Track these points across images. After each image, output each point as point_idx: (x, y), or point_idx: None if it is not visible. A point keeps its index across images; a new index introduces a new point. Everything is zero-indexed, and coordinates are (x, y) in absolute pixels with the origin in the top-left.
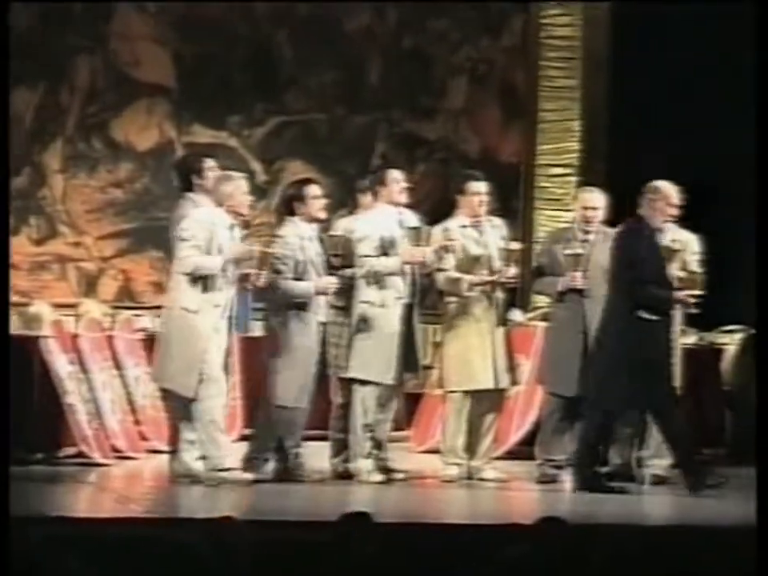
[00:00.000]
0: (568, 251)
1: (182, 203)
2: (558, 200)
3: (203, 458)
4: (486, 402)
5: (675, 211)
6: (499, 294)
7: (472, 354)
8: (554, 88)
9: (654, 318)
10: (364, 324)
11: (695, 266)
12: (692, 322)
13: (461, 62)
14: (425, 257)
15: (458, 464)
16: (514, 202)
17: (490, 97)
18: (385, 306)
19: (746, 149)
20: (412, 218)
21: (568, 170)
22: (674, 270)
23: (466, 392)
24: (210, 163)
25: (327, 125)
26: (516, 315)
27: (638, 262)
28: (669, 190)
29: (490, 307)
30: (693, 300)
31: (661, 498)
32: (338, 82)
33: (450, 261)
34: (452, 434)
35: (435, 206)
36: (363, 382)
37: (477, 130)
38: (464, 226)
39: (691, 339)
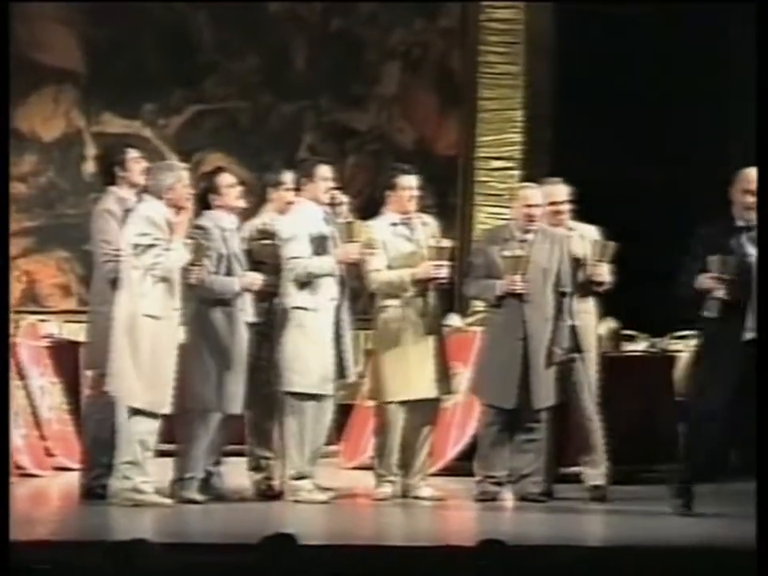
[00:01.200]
0: (507, 253)
1: (104, 197)
2: (498, 195)
3: (126, 477)
4: (421, 414)
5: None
6: (432, 298)
7: (407, 361)
8: (495, 75)
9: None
10: (297, 331)
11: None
12: (643, 326)
13: (394, 46)
14: (360, 255)
15: (391, 481)
16: (451, 198)
17: (425, 84)
18: (318, 311)
19: (698, 141)
20: (333, 216)
21: (510, 164)
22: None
23: (400, 403)
24: (133, 154)
25: (250, 114)
26: (454, 320)
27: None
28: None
29: (424, 311)
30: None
31: (608, 515)
32: (261, 68)
33: (381, 260)
34: (385, 449)
35: (368, 201)
36: (296, 395)
37: (411, 119)
38: (394, 224)
39: (642, 345)
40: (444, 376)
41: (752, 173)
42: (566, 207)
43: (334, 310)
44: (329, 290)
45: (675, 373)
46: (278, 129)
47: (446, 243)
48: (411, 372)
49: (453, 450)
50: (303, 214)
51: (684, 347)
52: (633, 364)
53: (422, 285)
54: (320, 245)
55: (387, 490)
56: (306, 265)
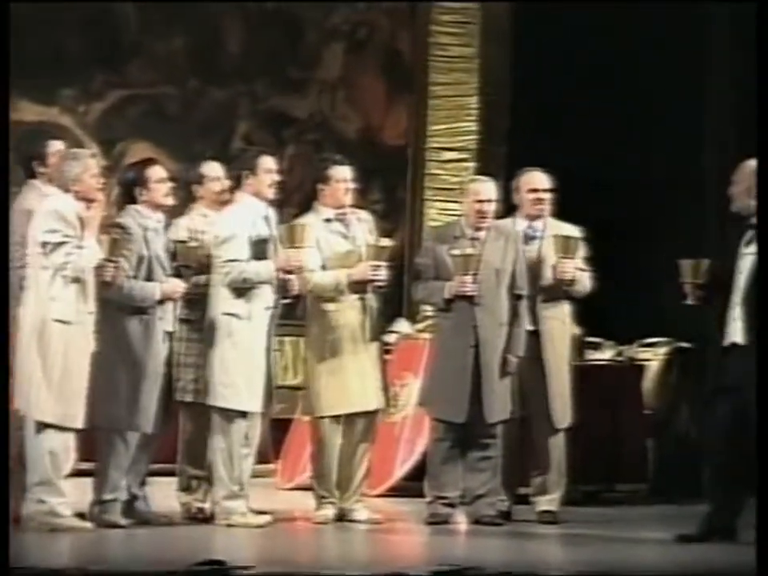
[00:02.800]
0: (456, 251)
1: (24, 193)
2: (451, 190)
3: (40, 500)
4: (358, 429)
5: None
6: (371, 301)
7: (345, 371)
8: (448, 57)
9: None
10: (227, 341)
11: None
12: (609, 333)
13: (336, 26)
14: (302, 261)
15: (333, 503)
16: (399, 193)
17: (371, 67)
18: (251, 319)
19: (668, 131)
20: (274, 215)
21: (463, 155)
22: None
23: (336, 417)
24: (56, 146)
25: (178, 100)
26: (402, 326)
27: None
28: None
29: (362, 316)
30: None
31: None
32: (190, 50)
33: (315, 260)
34: (324, 468)
35: (308, 197)
36: (224, 410)
37: (356, 106)
38: (328, 220)
39: (607, 354)
40: (383, 388)
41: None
42: (548, 195)
43: (269, 319)
44: (264, 297)
45: (644, 383)
46: (209, 116)
47: (386, 242)
48: (348, 383)
49: (401, 469)
50: (243, 212)
51: (653, 355)
52: (597, 374)
53: (359, 287)
54: (259, 248)
55: (328, 512)
56: (242, 269)
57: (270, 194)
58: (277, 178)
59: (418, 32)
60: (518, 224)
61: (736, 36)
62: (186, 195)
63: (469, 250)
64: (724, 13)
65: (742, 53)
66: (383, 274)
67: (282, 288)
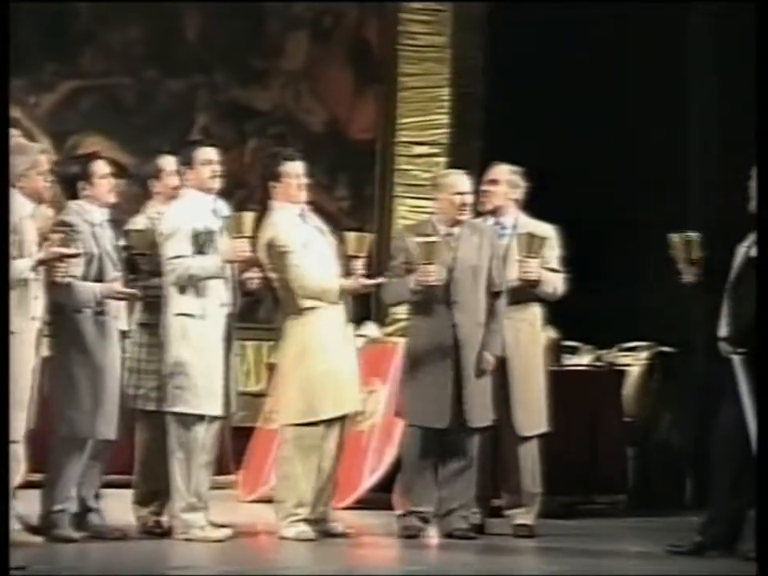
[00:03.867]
0: (419, 239)
1: None
2: (422, 186)
3: None
4: (330, 437)
5: None
6: (346, 303)
7: (318, 376)
8: (418, 47)
9: None
10: (182, 342)
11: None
12: (587, 337)
13: (300, 14)
14: (250, 252)
15: (299, 516)
16: (368, 189)
17: (337, 57)
18: (205, 318)
19: (650, 123)
20: (224, 207)
21: (435, 149)
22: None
23: (308, 425)
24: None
25: (134, 91)
26: (371, 330)
27: None
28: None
29: (337, 320)
30: None
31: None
32: (146, 39)
33: (309, 261)
34: (292, 479)
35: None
36: (182, 415)
37: (321, 98)
38: (301, 216)
39: (586, 358)
40: (357, 394)
41: None
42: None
43: (226, 318)
44: (218, 293)
45: (624, 389)
46: (167, 108)
47: (368, 241)
48: (322, 389)
49: (369, 480)
50: (186, 206)
51: (634, 360)
52: (575, 379)
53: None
54: (204, 241)
55: (296, 526)
56: (188, 265)
57: (213, 184)
58: (218, 168)
59: (386, 20)
60: (487, 221)
61: (718, 28)
62: (141, 191)
63: (433, 237)
64: (703, 12)
65: (723, 44)
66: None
67: (241, 284)
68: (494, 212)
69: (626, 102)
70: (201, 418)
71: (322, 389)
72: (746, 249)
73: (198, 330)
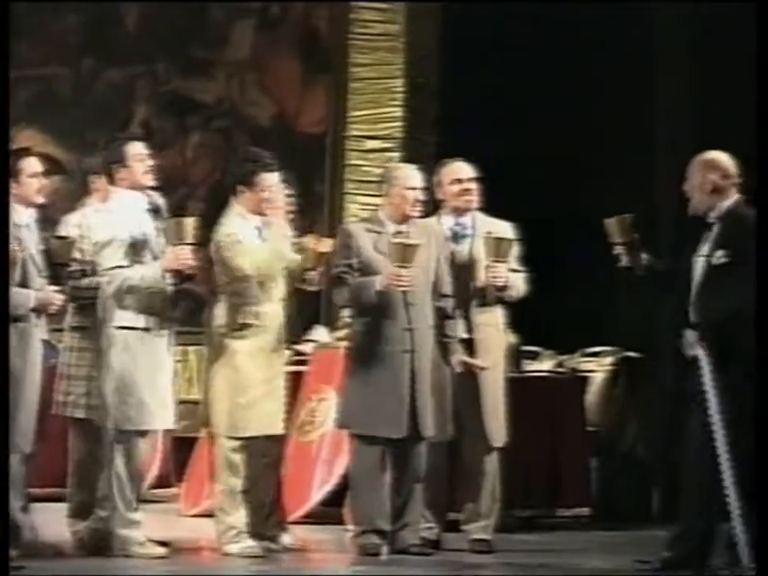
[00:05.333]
0: (396, 240)
1: None
2: (374, 182)
3: None
4: (267, 449)
5: None
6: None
7: (252, 388)
8: (370, 36)
9: None
10: (124, 355)
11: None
12: (548, 342)
13: (246, 1)
14: (193, 259)
15: (239, 530)
16: (317, 185)
17: (285, 47)
18: (149, 330)
19: (612, 115)
20: (160, 201)
21: (387, 143)
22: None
23: (240, 438)
24: None
25: (71, 82)
26: (320, 334)
27: None
28: None
29: (277, 326)
30: None
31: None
32: (84, 27)
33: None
34: (227, 492)
35: (215, 190)
36: (123, 431)
37: (268, 89)
38: (244, 218)
39: (547, 364)
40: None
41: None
42: (474, 186)
43: (168, 328)
44: (159, 303)
45: (587, 397)
46: (106, 100)
47: (325, 247)
48: (254, 402)
49: (318, 493)
50: (119, 209)
51: (597, 366)
52: (536, 386)
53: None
54: (142, 248)
55: (240, 542)
56: (125, 276)
57: (148, 181)
58: (151, 163)
59: (336, 8)
60: (444, 221)
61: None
62: (79, 188)
63: (411, 240)
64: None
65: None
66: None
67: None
68: (455, 211)
69: (587, 95)
70: (142, 432)
71: (227, 404)
72: (705, 258)
73: (139, 343)
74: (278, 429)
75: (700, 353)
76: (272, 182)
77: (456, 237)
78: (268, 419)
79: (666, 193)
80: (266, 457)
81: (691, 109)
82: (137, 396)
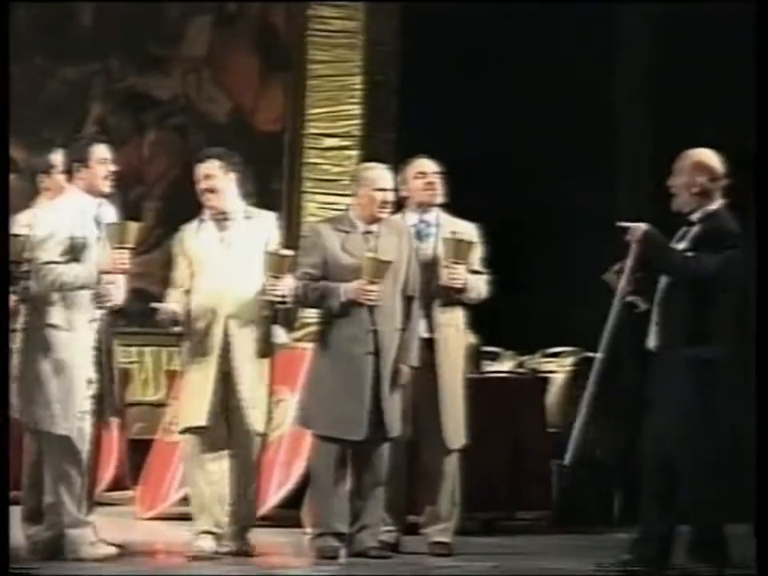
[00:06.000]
0: (370, 254)
1: None
2: (333, 181)
3: None
4: (210, 449)
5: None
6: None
7: (206, 384)
8: (328, 32)
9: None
10: (49, 355)
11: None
12: (508, 342)
13: (204, 1)
14: (129, 263)
15: (213, 533)
16: (275, 184)
17: (242, 43)
18: (74, 331)
19: (578, 114)
20: (110, 211)
21: (346, 142)
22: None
23: (196, 433)
24: None
25: (22, 79)
26: (279, 335)
27: None
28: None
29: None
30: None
31: None
32: (36, 22)
33: (179, 276)
34: (196, 491)
35: (171, 188)
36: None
37: (225, 86)
38: (202, 220)
39: (507, 365)
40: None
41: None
42: (438, 180)
43: (95, 331)
44: (88, 305)
45: (547, 398)
46: (59, 98)
47: (285, 252)
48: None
49: (276, 495)
50: (67, 208)
51: (558, 367)
52: (495, 387)
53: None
54: (81, 248)
55: (205, 543)
56: (59, 272)
57: (105, 187)
58: (112, 168)
59: (294, 4)
60: (409, 218)
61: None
62: (30, 186)
63: (385, 257)
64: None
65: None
66: (286, 287)
67: (101, 296)
68: (420, 207)
69: (550, 93)
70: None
71: (187, 400)
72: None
73: (64, 344)
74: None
75: (663, 354)
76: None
77: (419, 235)
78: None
79: (629, 192)
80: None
81: (651, 108)
82: (50, 396)
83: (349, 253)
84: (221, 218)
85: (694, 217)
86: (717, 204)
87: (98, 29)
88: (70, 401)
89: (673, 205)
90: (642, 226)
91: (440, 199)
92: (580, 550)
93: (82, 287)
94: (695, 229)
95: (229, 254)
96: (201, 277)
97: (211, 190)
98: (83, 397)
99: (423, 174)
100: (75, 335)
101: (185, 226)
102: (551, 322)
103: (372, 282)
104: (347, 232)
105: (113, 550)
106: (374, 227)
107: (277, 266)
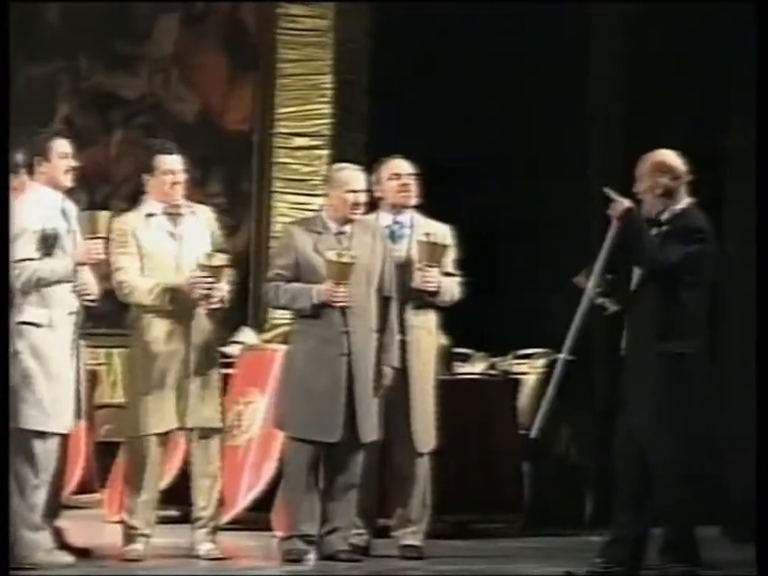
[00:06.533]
0: (332, 257)
1: None
2: (303, 181)
3: None
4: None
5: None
6: (205, 318)
7: (156, 386)
8: (298, 31)
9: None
10: (28, 353)
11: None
12: (480, 343)
13: (173, 1)
14: (105, 254)
15: (146, 535)
16: (244, 184)
17: (211, 41)
18: (53, 327)
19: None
20: (72, 207)
21: (316, 141)
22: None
23: (152, 438)
24: None
25: None
26: (248, 336)
27: None
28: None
29: (193, 331)
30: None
31: None
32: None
33: (133, 261)
34: (140, 493)
35: (137, 188)
36: (23, 432)
37: (194, 85)
38: (150, 214)
39: (479, 367)
40: (217, 409)
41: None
42: (413, 181)
43: (73, 326)
44: (66, 300)
45: (519, 400)
46: (25, 96)
47: (219, 261)
48: (159, 400)
49: (246, 498)
50: (33, 203)
51: (530, 368)
52: (467, 389)
53: (188, 302)
54: (53, 243)
55: (139, 546)
56: (35, 268)
57: (67, 181)
58: (73, 163)
59: (264, 2)
60: (383, 219)
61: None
62: None
63: (346, 258)
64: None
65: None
66: (218, 293)
67: (79, 289)
68: (394, 208)
69: (522, 93)
70: (41, 433)
71: (136, 403)
72: None
73: (43, 341)
74: (174, 424)
75: (634, 352)
76: (174, 166)
77: (393, 236)
78: (167, 415)
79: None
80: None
81: (623, 109)
82: (35, 395)
83: (321, 254)
84: (174, 213)
85: (663, 218)
86: (684, 203)
87: (65, 27)
88: (54, 398)
89: (642, 211)
90: (626, 203)
91: (414, 201)
92: (552, 552)
93: (59, 281)
94: (664, 229)
95: (181, 249)
96: (154, 272)
97: (175, 184)
98: (67, 396)
99: (398, 175)
100: (54, 332)
101: (127, 219)
102: (523, 323)
103: (338, 284)
104: (319, 233)
105: (69, 560)
106: (346, 228)
107: (212, 270)
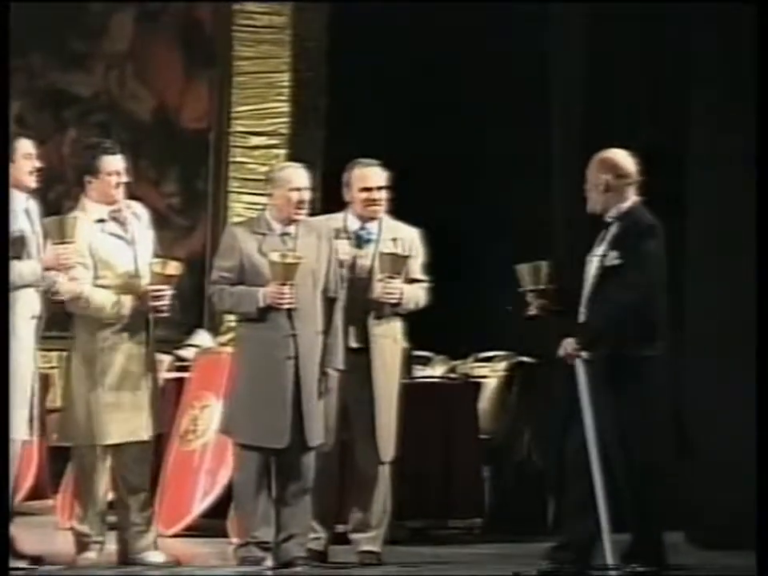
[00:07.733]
0: (276, 258)
1: None
2: (260, 180)
3: None
4: (131, 459)
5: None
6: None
7: (103, 394)
8: (255, 27)
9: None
10: None
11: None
12: (439, 347)
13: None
14: (74, 259)
15: (99, 542)
16: (200, 183)
17: (166, 38)
18: (15, 331)
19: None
20: (35, 207)
21: (274, 140)
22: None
23: (104, 446)
24: None
25: None
26: (203, 339)
27: None
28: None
29: (140, 338)
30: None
31: None
32: None
33: (85, 273)
34: (89, 500)
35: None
36: None
37: (149, 83)
38: (101, 220)
39: (439, 370)
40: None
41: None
42: (383, 194)
43: (35, 330)
44: (29, 304)
45: (480, 404)
46: None
47: (173, 270)
48: (116, 409)
49: (201, 504)
50: None
51: (490, 372)
52: (427, 393)
53: (144, 311)
54: (20, 245)
55: (92, 553)
56: None
57: (31, 182)
58: (37, 164)
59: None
60: (351, 223)
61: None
62: None
63: (290, 259)
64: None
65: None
66: (165, 301)
67: (48, 292)
68: (361, 217)
69: (483, 92)
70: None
71: (82, 410)
72: (599, 257)
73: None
74: (138, 436)
75: (577, 362)
76: (116, 166)
77: (361, 241)
78: (128, 427)
79: (563, 193)
80: (129, 464)
81: (585, 108)
82: None
83: (266, 256)
84: (119, 216)
85: (609, 216)
86: (630, 201)
87: (18, 24)
88: (14, 405)
89: (587, 208)
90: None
91: (382, 215)
92: (512, 558)
93: (27, 285)
94: (612, 228)
95: (136, 253)
96: (112, 280)
97: (119, 185)
98: (24, 398)
99: (368, 189)
100: (15, 338)
101: (79, 225)
102: (483, 325)
103: (283, 285)
104: (264, 234)
105: (22, 561)
106: (291, 229)
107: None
